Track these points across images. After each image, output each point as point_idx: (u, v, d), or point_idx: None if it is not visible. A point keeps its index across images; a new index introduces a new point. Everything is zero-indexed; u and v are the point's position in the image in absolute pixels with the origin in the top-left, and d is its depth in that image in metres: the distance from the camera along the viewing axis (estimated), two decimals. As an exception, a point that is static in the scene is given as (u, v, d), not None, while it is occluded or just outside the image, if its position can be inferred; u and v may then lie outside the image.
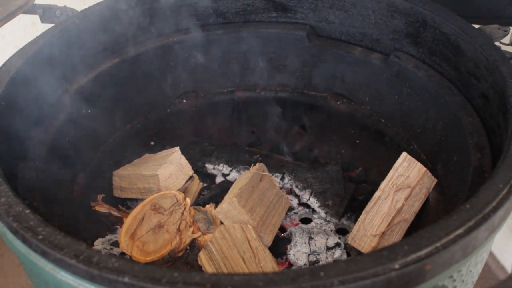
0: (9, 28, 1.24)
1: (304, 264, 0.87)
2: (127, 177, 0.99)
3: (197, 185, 1.02)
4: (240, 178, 0.95)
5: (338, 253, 0.89)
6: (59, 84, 0.95)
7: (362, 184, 1.08)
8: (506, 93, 0.75)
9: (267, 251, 0.83)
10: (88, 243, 0.89)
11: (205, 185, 1.08)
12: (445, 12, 0.94)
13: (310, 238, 0.90)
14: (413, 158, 0.89)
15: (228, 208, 0.85)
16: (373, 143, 1.11)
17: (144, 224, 0.87)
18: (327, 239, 0.89)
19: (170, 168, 0.96)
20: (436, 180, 0.90)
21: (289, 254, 0.89)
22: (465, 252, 0.54)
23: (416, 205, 0.88)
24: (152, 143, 1.15)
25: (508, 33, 0.91)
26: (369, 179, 1.09)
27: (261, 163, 0.96)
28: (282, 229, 0.99)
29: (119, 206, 0.99)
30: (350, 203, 1.02)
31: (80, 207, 0.93)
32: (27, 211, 0.59)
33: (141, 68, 1.08)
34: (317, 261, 0.88)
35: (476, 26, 0.92)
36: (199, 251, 0.85)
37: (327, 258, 0.88)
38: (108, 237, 0.94)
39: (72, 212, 0.88)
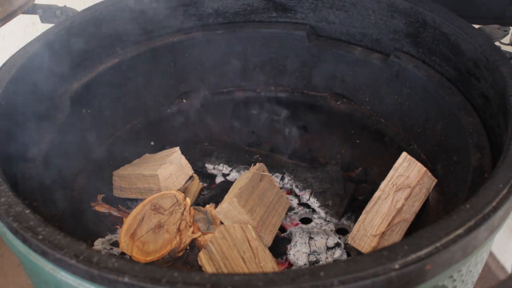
0: (9, 28, 1.24)
1: (304, 264, 0.87)
2: (127, 177, 0.99)
3: (197, 185, 1.02)
4: (240, 178, 0.95)
5: (338, 253, 0.89)
6: (59, 84, 0.95)
7: (362, 184, 1.08)
8: (506, 93, 0.75)
9: (267, 251, 0.83)
10: (88, 243, 0.89)
11: (205, 185, 1.08)
12: (445, 12, 0.94)
13: (310, 238, 0.90)
14: (413, 158, 0.89)
15: (228, 208, 0.85)
16: (373, 143, 1.11)
17: (144, 224, 0.87)
18: (327, 239, 0.90)
19: (170, 168, 0.96)
20: (436, 180, 0.90)
21: (289, 254, 0.89)
22: (465, 252, 0.54)
23: (416, 205, 0.88)
24: (152, 143, 1.15)
25: (508, 33, 0.91)
26: (369, 179, 1.09)
27: (261, 163, 0.96)
28: (282, 229, 0.99)
29: (119, 206, 0.99)
30: (350, 203, 1.02)
31: (80, 207, 0.93)
32: (27, 211, 0.59)
33: (141, 68, 1.08)
34: (317, 261, 0.88)
35: (476, 26, 0.92)
36: (199, 251, 0.85)
37: (327, 258, 0.88)
38: (108, 237, 0.94)
39: (72, 212, 0.88)
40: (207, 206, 0.93)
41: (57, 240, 0.54)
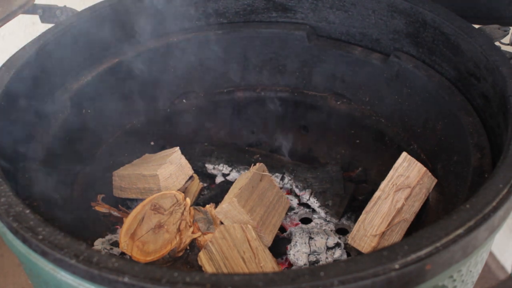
0: (9, 28, 1.24)
1: (304, 264, 0.87)
2: (127, 177, 0.99)
3: (197, 185, 1.02)
4: (240, 178, 0.95)
5: (338, 253, 0.89)
6: (59, 84, 0.95)
7: (362, 184, 1.08)
8: (506, 93, 0.75)
9: (267, 251, 0.83)
10: (88, 243, 0.89)
11: (205, 185, 1.08)
12: (445, 12, 0.94)
13: (310, 238, 0.90)
14: (413, 158, 0.89)
15: (228, 208, 0.85)
16: (373, 143, 1.11)
17: (144, 224, 0.87)
18: (327, 239, 0.90)
19: (170, 168, 0.96)
20: (436, 180, 0.90)
21: (289, 254, 0.89)
22: (465, 252, 0.54)
23: (416, 205, 0.88)
24: (152, 143, 1.15)
25: (508, 33, 0.91)
26: (369, 179, 1.09)
27: (261, 163, 0.96)
28: (282, 229, 0.99)
29: (119, 206, 0.99)
30: (350, 203, 1.02)
31: (80, 207, 0.93)
32: (27, 211, 0.59)
33: (141, 68, 1.08)
34: (317, 261, 0.88)
35: (476, 26, 0.92)
36: (199, 251, 0.85)
37: (327, 258, 0.88)
38: (108, 237, 0.94)
39: (72, 212, 0.88)
40: (207, 206, 0.93)
41: (57, 240, 0.54)
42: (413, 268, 0.49)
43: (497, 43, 0.88)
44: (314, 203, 1.00)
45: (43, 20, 1.03)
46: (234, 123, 1.22)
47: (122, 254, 0.86)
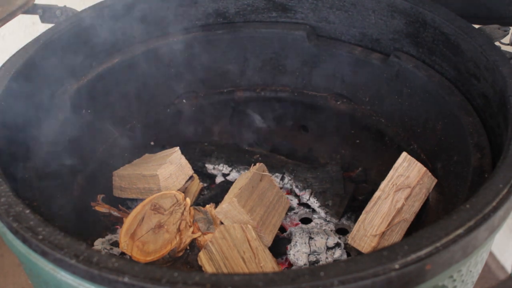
0: (9, 28, 1.24)
1: (304, 264, 0.87)
2: (127, 177, 0.99)
3: (197, 185, 1.02)
4: (240, 178, 0.95)
5: (338, 253, 0.89)
6: (59, 84, 0.95)
7: (362, 184, 1.08)
8: (506, 93, 0.75)
9: (267, 251, 0.83)
10: (88, 243, 0.89)
11: (205, 185, 1.08)
12: (445, 12, 0.94)
13: (310, 238, 0.90)
14: (413, 158, 0.89)
15: (228, 208, 0.85)
16: (373, 143, 1.11)
17: (144, 224, 0.87)
18: (327, 239, 0.89)
19: (170, 168, 0.96)
20: (436, 180, 0.90)
21: (289, 254, 0.89)
22: (465, 252, 0.54)
23: (416, 205, 0.88)
24: (152, 143, 1.15)
25: (508, 33, 0.91)
26: (369, 179, 1.09)
27: (261, 163, 0.96)
28: (282, 229, 0.99)
29: (119, 206, 0.99)
30: (350, 203, 1.02)
31: (80, 207, 0.93)
32: (27, 211, 0.59)
33: (140, 68, 1.08)
34: (317, 261, 0.88)
35: (476, 26, 0.92)
36: (199, 251, 0.85)
37: (327, 258, 0.88)
38: (108, 237, 0.94)
39: (72, 212, 0.88)
40: (207, 206, 0.93)
41: (57, 240, 0.54)
42: (413, 268, 0.49)
43: (497, 43, 0.88)
44: (314, 203, 1.00)
45: (43, 20, 1.03)
46: (234, 123, 1.22)
47: (122, 254, 0.86)
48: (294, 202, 1.04)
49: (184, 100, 1.17)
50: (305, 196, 1.02)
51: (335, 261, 0.86)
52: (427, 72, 0.97)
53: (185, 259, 0.87)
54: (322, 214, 0.99)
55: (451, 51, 0.93)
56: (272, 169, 1.05)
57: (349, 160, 1.14)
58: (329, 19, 1.10)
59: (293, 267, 0.89)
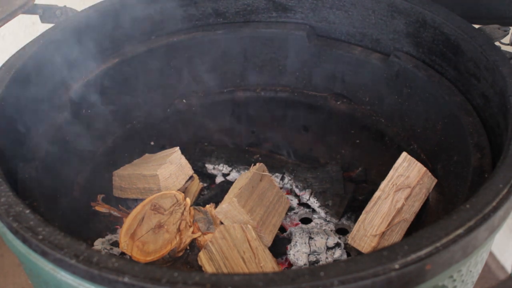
0: (9, 28, 1.24)
1: (304, 264, 0.87)
2: (127, 177, 0.99)
3: (197, 185, 1.02)
4: (240, 178, 0.95)
5: (338, 253, 0.89)
6: (59, 84, 0.95)
7: (362, 184, 1.08)
8: (506, 93, 0.75)
9: (267, 251, 0.83)
10: (88, 243, 0.89)
11: (205, 185, 1.08)
12: (445, 12, 0.94)
13: (310, 238, 0.90)
14: (413, 158, 0.89)
15: (228, 208, 0.85)
16: (373, 143, 1.11)
17: (144, 224, 0.87)
18: (327, 239, 0.89)
19: (170, 168, 0.96)
20: (436, 180, 0.90)
21: (289, 254, 0.89)
22: (465, 252, 0.54)
23: (416, 205, 0.88)
24: (152, 143, 1.15)
25: (508, 33, 0.91)
26: (369, 179, 1.09)
27: (261, 163, 0.96)
28: (282, 229, 0.99)
29: (119, 206, 0.99)
30: (350, 203, 1.02)
31: (80, 207, 0.93)
32: (27, 211, 0.59)
33: (141, 68, 1.08)
34: (317, 261, 0.88)
35: (476, 26, 0.92)
36: (199, 251, 0.85)
37: (327, 258, 0.88)
38: (108, 237, 0.94)
39: (72, 212, 0.88)
40: (207, 206, 0.93)
41: (57, 240, 0.54)
42: (413, 268, 0.49)
43: (497, 43, 0.88)
44: (314, 203, 1.00)
45: (43, 20, 1.03)
46: (234, 123, 1.22)
47: (122, 254, 0.86)
48: (294, 202, 1.04)
49: (184, 100, 1.16)
50: (305, 196, 1.02)
51: (335, 261, 0.86)
52: (427, 72, 0.97)
53: (185, 259, 0.87)
54: (322, 214, 0.99)
55: (451, 51, 0.93)
56: (272, 169, 1.05)
57: (349, 160, 1.14)
58: (329, 19, 1.10)
59: (293, 267, 0.89)
